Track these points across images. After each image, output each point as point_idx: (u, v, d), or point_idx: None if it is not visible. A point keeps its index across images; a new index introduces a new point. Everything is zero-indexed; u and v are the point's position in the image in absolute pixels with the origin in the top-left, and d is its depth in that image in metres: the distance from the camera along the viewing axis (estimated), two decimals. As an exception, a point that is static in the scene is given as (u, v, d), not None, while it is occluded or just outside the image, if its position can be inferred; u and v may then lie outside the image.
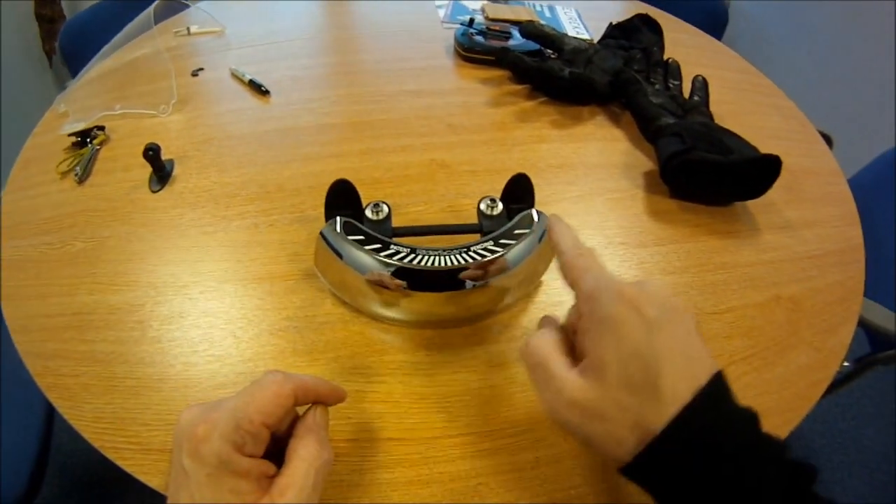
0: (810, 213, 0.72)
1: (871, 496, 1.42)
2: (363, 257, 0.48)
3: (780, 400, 0.52)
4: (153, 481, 0.46)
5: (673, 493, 0.33)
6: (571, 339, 0.39)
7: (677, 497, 0.33)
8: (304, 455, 0.36)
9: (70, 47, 1.29)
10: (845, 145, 1.15)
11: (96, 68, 0.96)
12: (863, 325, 0.85)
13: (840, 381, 0.97)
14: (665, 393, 0.32)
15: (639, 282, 0.36)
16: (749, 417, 0.34)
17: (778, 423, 0.51)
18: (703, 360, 0.34)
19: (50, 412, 0.89)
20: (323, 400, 0.40)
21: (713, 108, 0.80)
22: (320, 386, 0.40)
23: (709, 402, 0.32)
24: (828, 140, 0.86)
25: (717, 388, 0.33)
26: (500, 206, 0.55)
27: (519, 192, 0.57)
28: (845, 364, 0.96)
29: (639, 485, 0.34)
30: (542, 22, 0.96)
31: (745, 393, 0.52)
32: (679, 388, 0.32)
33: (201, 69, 0.93)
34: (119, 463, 0.47)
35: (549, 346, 0.37)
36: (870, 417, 1.57)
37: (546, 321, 0.43)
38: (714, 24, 1.47)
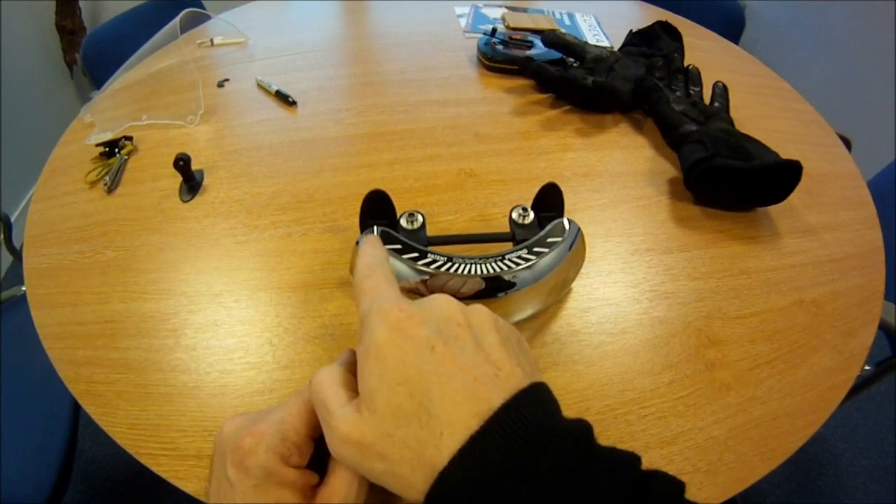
0: (830, 216, 0.72)
1: (892, 501, 1.41)
2: (401, 266, 0.49)
3: (804, 402, 0.53)
4: (189, 487, 0.47)
5: None
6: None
7: None
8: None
9: (92, 58, 1.31)
10: (864, 147, 1.15)
11: (121, 79, 0.97)
12: (883, 328, 0.85)
13: (861, 385, 0.97)
14: (441, 421, 0.28)
15: (420, 299, 0.34)
16: (571, 436, 0.28)
17: (801, 424, 0.51)
18: (501, 379, 0.30)
19: (75, 419, 0.91)
20: None
21: (733, 112, 0.81)
22: None
23: (504, 427, 0.27)
24: (846, 143, 0.86)
25: (518, 411, 0.28)
26: (532, 215, 0.56)
27: (549, 202, 0.58)
28: (866, 368, 0.96)
29: None
30: (563, 30, 0.96)
31: (769, 395, 0.53)
32: (459, 414, 0.28)
33: (227, 80, 0.95)
34: (155, 469, 0.48)
35: (328, 381, 0.34)
36: (891, 423, 1.56)
37: (342, 355, 0.39)
38: (731, 27, 1.47)
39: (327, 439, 0.32)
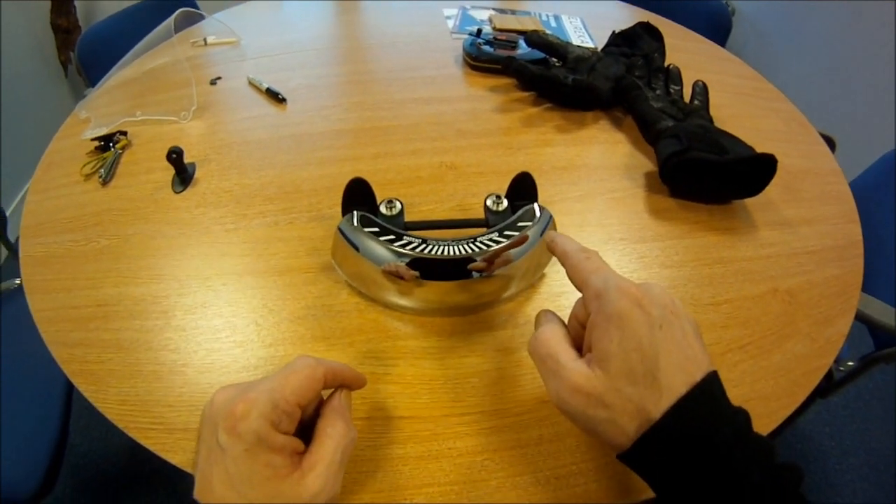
0: (809, 211, 0.74)
1: (879, 498, 1.42)
2: (378, 248, 0.52)
3: (776, 386, 0.54)
4: (175, 458, 0.49)
5: (666, 480, 0.36)
6: (576, 332, 0.42)
7: (670, 483, 0.36)
8: (332, 433, 0.39)
9: (87, 57, 1.31)
10: (849, 148, 1.17)
11: (116, 76, 0.99)
12: (865, 321, 0.87)
13: (844, 379, 0.98)
14: (662, 385, 0.35)
15: (644, 284, 0.39)
16: (741, 417, 0.37)
17: (775, 407, 0.53)
18: (699, 360, 0.36)
19: (66, 412, 0.92)
20: (347, 384, 0.44)
21: (714, 112, 0.83)
22: (346, 371, 0.43)
23: (703, 397, 0.35)
24: (830, 143, 0.88)
25: (711, 386, 0.36)
26: (505, 202, 0.58)
27: (522, 190, 0.60)
28: (850, 363, 0.97)
29: (635, 471, 0.37)
30: (548, 31, 0.99)
31: (742, 379, 0.55)
32: (675, 381, 0.35)
33: (219, 78, 0.97)
34: (143, 442, 0.50)
35: (556, 338, 0.40)
36: (878, 421, 1.57)
37: (547, 316, 0.45)
38: (718, 29, 1.49)
39: (553, 389, 0.39)
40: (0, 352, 0.96)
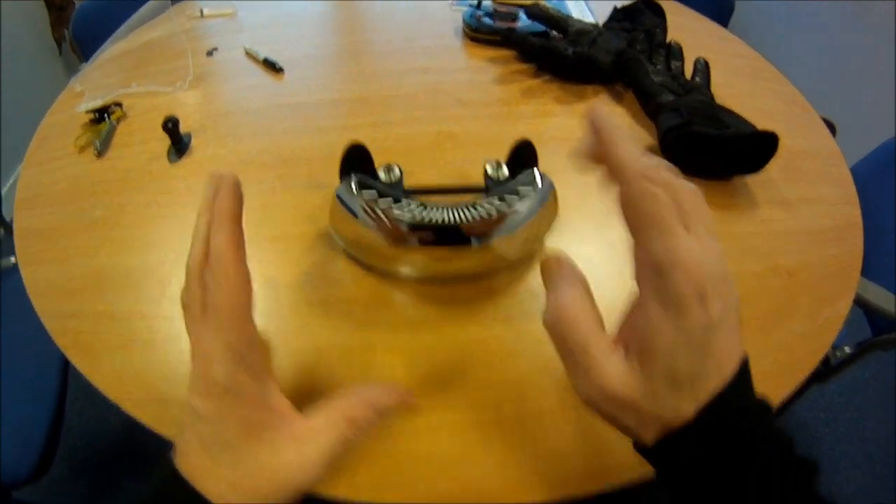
0: (808, 191, 0.73)
1: (873, 487, 1.42)
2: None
3: (776, 364, 0.54)
4: (168, 432, 0.48)
5: (682, 476, 0.32)
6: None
7: (685, 480, 0.32)
8: (349, 421, 0.36)
9: (82, 33, 1.30)
10: (851, 135, 1.16)
11: (111, 50, 0.98)
12: (863, 305, 0.87)
13: (841, 365, 0.99)
14: (700, 389, 0.30)
15: (707, 250, 0.31)
16: (764, 409, 0.33)
17: (775, 385, 0.52)
18: (737, 355, 0.32)
19: (62, 392, 0.92)
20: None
21: (715, 90, 0.82)
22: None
23: (733, 393, 0.31)
24: (831, 127, 0.87)
25: (742, 379, 0.31)
26: (506, 168, 0.58)
27: (523, 157, 0.59)
28: (847, 349, 0.97)
29: (650, 463, 0.34)
30: (549, 5, 0.98)
31: (742, 355, 0.54)
32: (712, 382, 0.30)
33: (215, 49, 0.96)
34: (136, 415, 0.49)
35: (584, 318, 0.33)
36: (872, 410, 1.57)
37: (564, 271, 0.36)
38: (720, 12, 1.48)
39: (581, 387, 0.33)
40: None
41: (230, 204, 0.36)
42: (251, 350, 0.34)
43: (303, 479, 0.34)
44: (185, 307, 0.36)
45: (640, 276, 0.32)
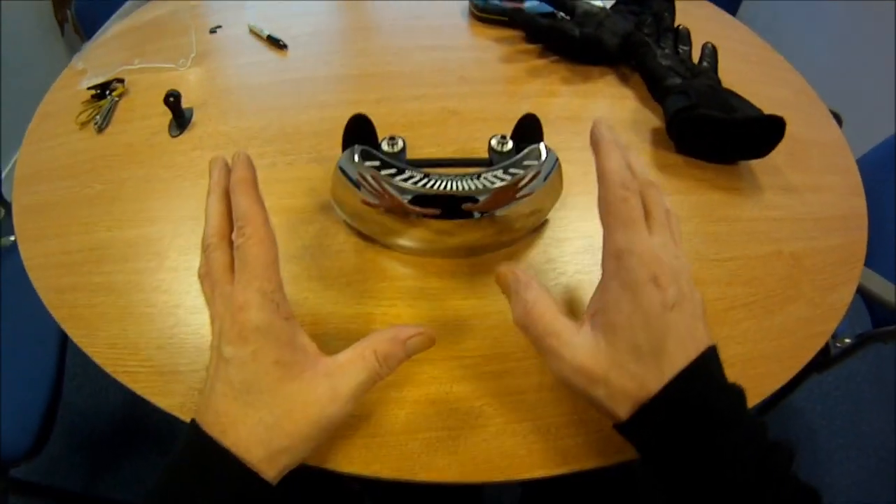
0: (814, 179, 0.72)
1: (869, 480, 1.43)
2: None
3: (780, 348, 0.54)
4: (163, 402, 0.48)
5: (659, 452, 0.36)
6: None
7: (662, 456, 0.36)
8: (374, 358, 0.39)
9: (85, 14, 1.30)
10: (857, 128, 1.16)
11: (114, 27, 0.98)
12: (865, 295, 0.86)
13: (840, 355, 0.99)
14: (665, 363, 0.34)
15: (663, 251, 0.37)
16: (736, 393, 0.37)
17: (777, 369, 0.52)
18: (701, 339, 0.36)
19: (60, 369, 0.92)
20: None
21: (722, 76, 0.81)
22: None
23: (700, 371, 0.35)
24: (838, 119, 0.86)
25: (709, 362, 0.36)
26: (510, 143, 0.57)
27: (528, 132, 0.59)
28: (847, 340, 0.97)
29: (630, 441, 0.37)
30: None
31: (745, 337, 0.54)
32: (677, 359, 0.35)
33: (219, 27, 0.95)
34: (131, 386, 0.49)
35: (551, 313, 0.39)
36: (869, 403, 1.58)
37: (522, 281, 0.41)
38: (728, 2, 1.47)
39: (555, 367, 0.38)
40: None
41: (246, 174, 0.42)
42: (283, 298, 0.38)
43: (337, 413, 0.37)
44: (204, 276, 0.41)
45: (604, 262, 0.38)
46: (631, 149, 0.43)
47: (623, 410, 0.35)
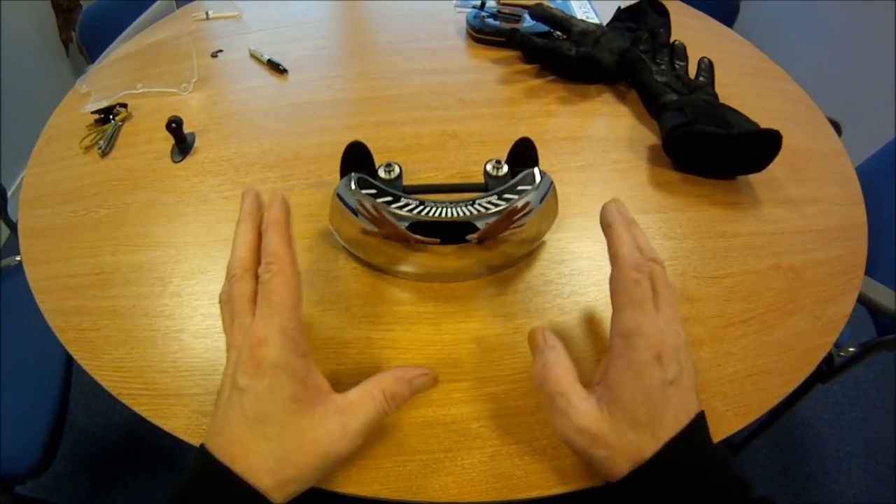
0: (813, 190, 0.72)
1: (876, 488, 1.42)
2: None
3: (779, 362, 0.54)
4: (168, 424, 0.48)
5: None
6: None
7: None
8: (383, 395, 0.40)
9: (89, 35, 1.31)
10: (856, 135, 1.16)
11: (117, 51, 0.99)
12: (866, 304, 0.86)
13: (845, 365, 0.98)
14: (661, 431, 0.37)
15: (668, 322, 0.40)
16: (720, 455, 0.39)
17: (777, 384, 0.52)
18: (691, 407, 0.39)
19: (66, 388, 0.93)
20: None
21: (719, 90, 0.81)
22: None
23: (688, 439, 0.38)
24: (836, 127, 0.86)
25: (698, 428, 0.39)
26: (506, 167, 0.57)
27: (523, 156, 0.59)
28: (851, 349, 0.97)
29: (622, 500, 0.39)
30: (552, 5, 0.98)
31: (744, 353, 0.54)
32: (671, 428, 0.38)
33: (220, 51, 0.96)
34: (136, 409, 0.50)
35: (566, 376, 0.41)
36: (877, 410, 1.57)
37: (549, 342, 0.44)
38: (725, 12, 1.47)
39: (560, 425, 0.40)
40: (0, 328, 0.96)
41: (281, 215, 0.43)
42: (301, 336, 0.39)
43: (346, 448, 0.38)
44: (225, 303, 0.42)
45: (612, 339, 0.41)
46: (637, 224, 0.46)
47: (618, 473, 0.38)
